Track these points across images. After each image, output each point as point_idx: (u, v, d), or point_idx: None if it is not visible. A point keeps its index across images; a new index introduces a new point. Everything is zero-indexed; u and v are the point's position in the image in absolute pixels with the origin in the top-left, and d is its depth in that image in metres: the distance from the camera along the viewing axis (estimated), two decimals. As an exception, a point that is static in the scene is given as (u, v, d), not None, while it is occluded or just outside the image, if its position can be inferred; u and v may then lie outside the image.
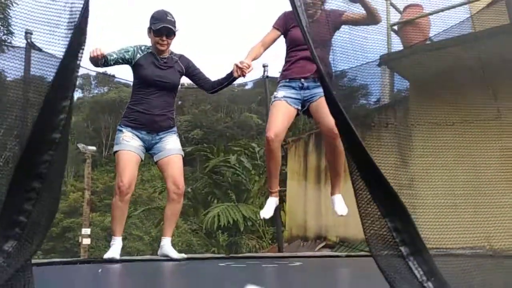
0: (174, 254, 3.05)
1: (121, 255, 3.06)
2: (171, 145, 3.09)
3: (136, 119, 3.02)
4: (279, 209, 8.32)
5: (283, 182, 9.04)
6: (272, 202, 3.31)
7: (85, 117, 36.07)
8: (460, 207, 2.02)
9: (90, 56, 2.83)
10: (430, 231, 1.68)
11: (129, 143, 2.98)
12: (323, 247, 8.43)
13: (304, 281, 2.40)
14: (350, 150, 1.54)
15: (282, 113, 3.06)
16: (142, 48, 3.15)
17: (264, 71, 6.03)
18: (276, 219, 7.18)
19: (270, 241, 9.50)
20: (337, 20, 2.88)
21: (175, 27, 3.06)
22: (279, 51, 3.46)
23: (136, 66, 3.08)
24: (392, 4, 3.23)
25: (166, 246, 3.09)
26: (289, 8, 1.58)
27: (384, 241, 1.42)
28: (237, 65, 3.06)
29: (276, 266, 3.05)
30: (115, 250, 2.96)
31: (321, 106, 2.93)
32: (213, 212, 8.83)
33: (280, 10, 3.30)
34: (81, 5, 1.55)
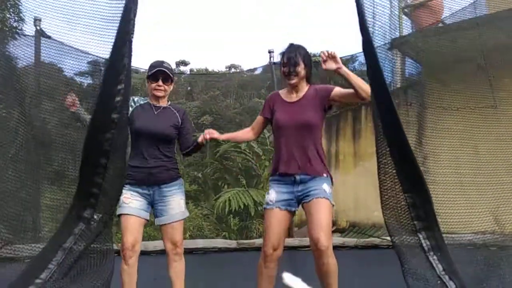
0: None
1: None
2: (175, 209, 2.95)
3: (132, 175, 2.85)
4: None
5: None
6: None
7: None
8: (466, 185, 2.05)
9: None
10: (439, 205, 1.71)
11: (129, 205, 2.82)
12: (333, 231, 8.45)
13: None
14: (383, 125, 1.56)
15: (276, 224, 2.80)
16: (135, 99, 3.04)
17: (270, 57, 5.84)
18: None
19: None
20: (324, 98, 2.81)
21: (172, 73, 2.99)
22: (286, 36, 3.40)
23: (130, 120, 2.90)
24: (403, -13, 3.18)
25: None
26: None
27: (399, 214, 1.46)
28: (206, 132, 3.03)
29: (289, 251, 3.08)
30: None
31: (313, 209, 2.69)
32: (224, 197, 8.89)
33: (281, 9, 3.22)
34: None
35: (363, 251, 5.03)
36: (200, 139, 3.01)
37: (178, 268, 2.93)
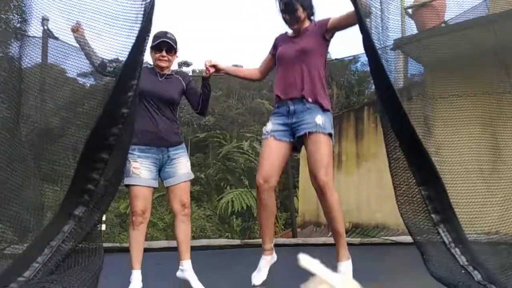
0: (195, 282, 2.87)
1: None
2: (182, 170, 3.01)
3: (141, 138, 2.89)
4: (292, 195, 8.36)
5: (295, 168, 9.06)
6: (264, 263, 2.81)
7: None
8: (486, 173, 2.03)
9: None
10: (460, 196, 1.69)
11: (139, 176, 2.87)
12: (336, 232, 8.44)
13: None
14: (391, 119, 1.56)
15: (270, 153, 2.76)
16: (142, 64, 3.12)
17: (273, 57, 5.91)
18: (291, 205, 7.22)
19: (283, 227, 9.57)
20: (323, 27, 2.81)
21: (175, 44, 3.03)
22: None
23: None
24: (406, -13, 3.19)
25: (189, 271, 2.93)
26: None
27: (416, 208, 1.45)
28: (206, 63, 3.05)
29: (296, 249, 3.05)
30: None
31: (310, 145, 2.67)
32: (227, 198, 8.91)
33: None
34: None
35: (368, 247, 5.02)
36: (205, 74, 3.04)
37: (186, 229, 3.01)
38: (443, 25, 2.86)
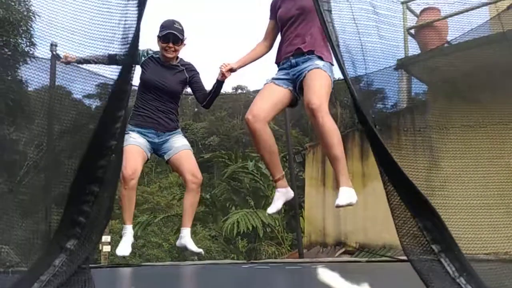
0: (193, 246, 3.05)
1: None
2: (179, 143, 3.12)
3: (141, 121, 3.06)
4: (298, 215, 8.30)
5: (301, 188, 9.02)
6: (279, 195, 2.78)
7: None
8: (493, 208, 1.99)
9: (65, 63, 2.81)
10: (464, 231, 1.66)
11: (136, 140, 3.00)
12: (342, 253, 8.37)
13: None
14: (377, 154, 1.55)
15: (265, 94, 2.74)
16: (149, 52, 3.18)
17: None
18: (297, 225, 7.17)
19: (289, 248, 9.48)
20: None
21: (182, 34, 3.08)
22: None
23: (140, 69, 3.09)
24: (408, 8, 3.23)
25: (186, 237, 3.08)
26: None
27: (416, 240, 1.43)
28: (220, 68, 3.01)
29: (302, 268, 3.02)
30: (126, 242, 2.98)
31: (307, 80, 2.62)
32: (232, 219, 8.86)
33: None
34: (134, 23, 1.66)
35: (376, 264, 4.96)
36: (219, 77, 3.02)
37: (192, 198, 3.09)
38: (446, 45, 2.88)
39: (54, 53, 2.99)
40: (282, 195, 2.76)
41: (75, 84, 2.82)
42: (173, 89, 3.14)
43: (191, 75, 3.21)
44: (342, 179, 2.50)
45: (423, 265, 1.36)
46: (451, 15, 2.71)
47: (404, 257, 1.51)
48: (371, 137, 1.47)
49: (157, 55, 3.18)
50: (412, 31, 3.27)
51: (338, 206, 2.44)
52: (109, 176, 1.64)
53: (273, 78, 2.78)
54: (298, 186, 7.56)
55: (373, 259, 5.57)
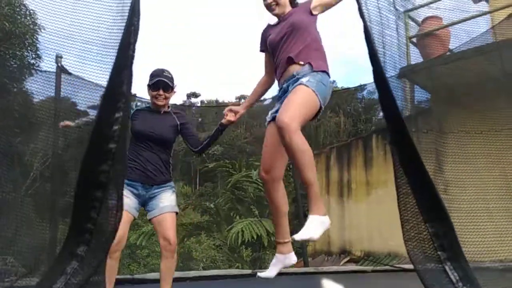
0: None
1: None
2: (165, 203, 3.03)
3: (129, 173, 2.94)
4: (302, 224, 8.28)
5: (304, 197, 9.01)
6: (276, 262, 2.52)
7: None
8: (494, 211, 1.99)
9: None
10: (466, 234, 1.66)
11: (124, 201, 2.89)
12: (347, 261, 8.33)
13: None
14: (399, 154, 1.54)
15: (268, 141, 2.56)
16: (137, 104, 3.14)
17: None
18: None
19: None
20: (307, 4, 2.74)
21: (172, 82, 3.08)
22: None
23: (130, 122, 2.97)
24: (410, 17, 3.25)
25: None
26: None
27: (422, 245, 1.41)
28: (225, 113, 2.86)
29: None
30: None
31: (286, 98, 2.42)
32: (237, 228, 8.84)
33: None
34: (124, 23, 1.66)
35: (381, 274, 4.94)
36: (224, 121, 2.91)
37: (168, 264, 2.97)
38: (448, 53, 2.89)
39: (59, 64, 3.02)
40: (279, 262, 2.51)
41: (79, 95, 2.85)
42: (165, 137, 3.07)
43: (182, 122, 3.15)
44: (313, 207, 2.24)
45: (426, 272, 1.35)
46: (453, 24, 2.73)
47: (409, 266, 1.50)
48: (397, 137, 1.46)
49: (147, 106, 3.15)
50: (414, 39, 3.29)
51: (294, 240, 2.21)
52: (112, 183, 1.64)
53: (271, 113, 2.59)
54: (302, 195, 7.55)
55: (378, 268, 5.54)
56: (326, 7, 2.72)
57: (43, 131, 2.97)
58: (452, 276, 1.34)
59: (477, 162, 2.13)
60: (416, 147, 1.42)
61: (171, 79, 3.10)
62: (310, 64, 2.46)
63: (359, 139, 9.48)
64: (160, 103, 3.07)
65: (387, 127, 1.58)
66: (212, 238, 10.60)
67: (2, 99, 2.91)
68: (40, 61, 3.19)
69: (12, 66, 3.11)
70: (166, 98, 3.09)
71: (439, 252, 1.37)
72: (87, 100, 2.99)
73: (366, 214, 8.31)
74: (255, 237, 8.57)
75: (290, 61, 2.49)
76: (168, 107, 3.19)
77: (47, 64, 3.04)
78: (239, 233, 8.65)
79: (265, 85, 2.88)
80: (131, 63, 1.77)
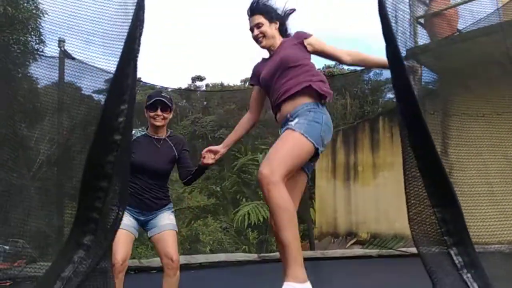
0: None
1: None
2: (164, 221, 3.02)
3: (129, 200, 2.87)
4: (309, 206, 8.30)
5: (311, 179, 9.02)
6: None
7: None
8: (497, 195, 1.98)
9: None
10: (470, 218, 1.65)
11: (124, 222, 2.75)
12: (353, 243, 8.38)
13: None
14: (410, 136, 1.51)
15: None
16: (133, 132, 3.03)
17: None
18: (307, 216, 7.17)
19: (300, 239, 9.48)
20: (301, 39, 2.53)
21: (171, 102, 3.03)
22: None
23: None
24: (418, -3, 3.19)
25: None
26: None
27: (428, 229, 1.40)
28: (203, 155, 2.81)
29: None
30: None
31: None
32: (243, 211, 8.89)
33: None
34: (131, 15, 1.66)
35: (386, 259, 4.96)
36: (202, 163, 2.90)
37: (172, 281, 2.94)
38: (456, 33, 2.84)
39: (62, 49, 3.00)
40: None
41: (83, 80, 2.84)
42: (163, 171, 3.06)
43: (179, 151, 3.11)
44: (288, 271, 1.97)
45: (430, 256, 1.34)
46: (460, 3, 2.68)
47: (415, 251, 1.49)
48: (409, 118, 1.43)
49: (143, 132, 3.10)
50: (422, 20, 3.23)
51: None
52: (118, 174, 1.64)
53: None
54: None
55: (383, 253, 5.55)
56: (323, 54, 2.58)
57: (48, 115, 2.97)
58: (456, 262, 1.33)
59: (480, 145, 2.11)
60: (428, 130, 1.39)
61: (170, 99, 3.04)
62: (303, 101, 2.35)
63: (366, 121, 9.44)
64: (158, 123, 3.00)
65: (398, 108, 1.54)
66: (218, 221, 10.68)
67: (7, 85, 2.91)
68: (44, 46, 3.18)
69: (16, 52, 3.10)
70: (165, 119, 3.03)
71: (445, 237, 1.36)
72: (92, 85, 2.99)
73: (373, 197, 8.32)
74: (261, 219, 8.61)
75: (282, 103, 2.39)
76: (167, 132, 3.14)
77: (50, 49, 3.03)
78: (245, 215, 8.70)
79: (247, 124, 2.79)
80: (136, 56, 1.77)
